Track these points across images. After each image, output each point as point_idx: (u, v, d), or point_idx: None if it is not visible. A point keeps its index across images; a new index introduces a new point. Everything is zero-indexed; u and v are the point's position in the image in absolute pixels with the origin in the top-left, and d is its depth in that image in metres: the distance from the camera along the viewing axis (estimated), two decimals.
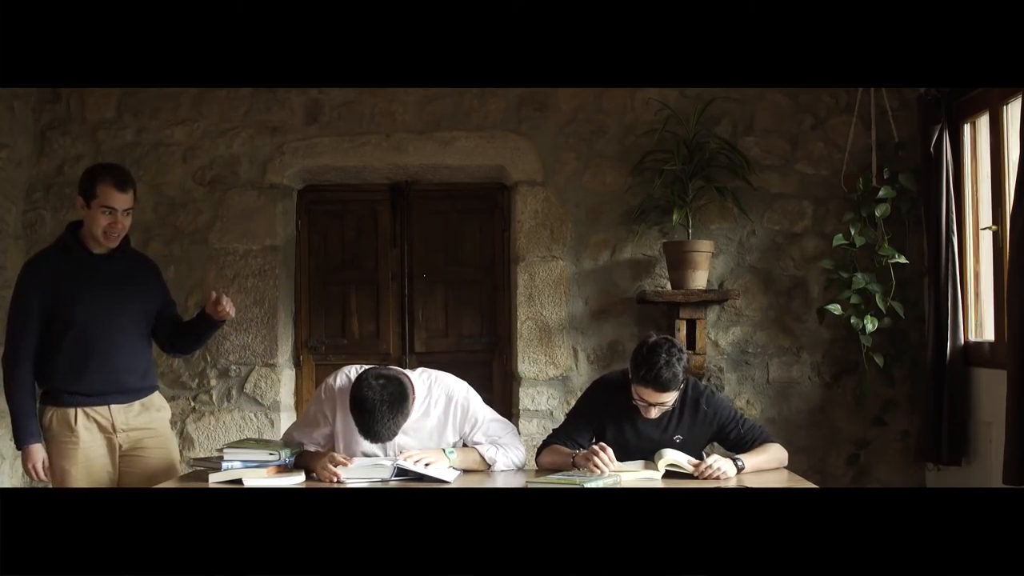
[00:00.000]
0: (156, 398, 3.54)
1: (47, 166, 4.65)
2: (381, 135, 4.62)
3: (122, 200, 3.35)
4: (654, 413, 3.16)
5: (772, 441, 3.29)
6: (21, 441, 3.34)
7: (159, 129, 4.64)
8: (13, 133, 4.52)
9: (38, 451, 3.34)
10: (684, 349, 3.17)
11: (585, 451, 3.13)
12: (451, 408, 3.23)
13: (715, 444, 3.47)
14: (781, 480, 3.12)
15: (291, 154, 4.62)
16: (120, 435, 3.41)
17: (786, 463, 3.30)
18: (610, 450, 3.05)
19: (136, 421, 3.44)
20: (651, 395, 3.10)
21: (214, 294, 3.41)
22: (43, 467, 3.35)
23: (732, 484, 3.00)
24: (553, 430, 3.44)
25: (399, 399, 2.98)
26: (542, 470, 3.22)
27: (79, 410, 3.36)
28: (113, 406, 3.39)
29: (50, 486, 3.46)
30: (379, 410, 2.94)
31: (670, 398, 3.13)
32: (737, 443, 3.27)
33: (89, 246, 3.41)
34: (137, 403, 3.45)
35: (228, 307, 3.41)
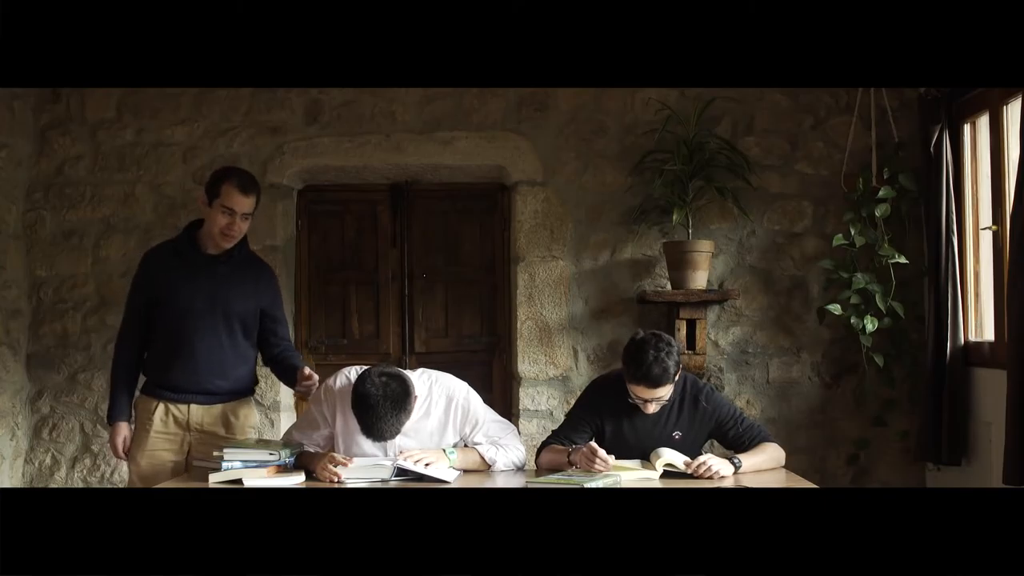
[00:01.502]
0: (241, 405, 3.56)
1: (47, 166, 4.65)
2: (381, 135, 4.62)
3: (244, 203, 3.39)
4: (652, 408, 3.17)
5: (771, 441, 3.29)
6: (110, 418, 3.49)
7: (159, 129, 4.64)
8: (13, 133, 4.52)
9: (122, 429, 3.47)
10: (673, 341, 3.16)
11: (580, 448, 3.13)
12: (451, 409, 3.23)
13: (715, 444, 3.47)
14: (781, 480, 3.12)
15: (291, 154, 4.62)
16: (192, 433, 3.47)
17: (783, 463, 3.29)
18: (600, 449, 3.06)
19: (212, 427, 3.48)
20: (645, 392, 3.12)
21: (307, 372, 3.41)
22: (123, 445, 3.47)
23: (730, 484, 3.00)
24: (552, 431, 3.44)
25: (402, 396, 2.98)
26: (541, 470, 3.22)
27: (162, 403, 3.46)
28: (193, 405, 3.46)
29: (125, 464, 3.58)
30: (382, 407, 2.94)
31: (665, 392, 3.14)
32: (736, 441, 3.27)
33: (202, 245, 3.47)
34: (219, 407, 3.49)
35: (310, 384, 3.42)
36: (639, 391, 3.13)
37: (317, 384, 3.38)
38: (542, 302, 4.57)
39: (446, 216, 4.79)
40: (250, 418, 3.62)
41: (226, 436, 3.48)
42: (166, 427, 3.45)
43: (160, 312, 3.44)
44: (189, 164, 4.63)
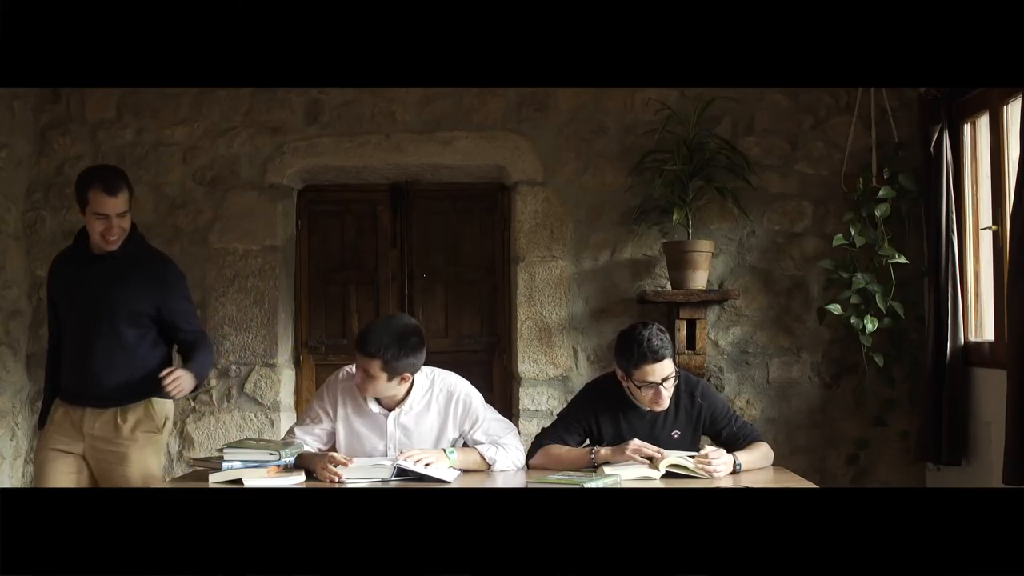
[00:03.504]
0: (137, 409, 3.35)
1: (47, 166, 4.65)
2: (381, 135, 4.62)
3: (112, 205, 3.25)
4: (664, 395, 3.15)
5: (761, 440, 3.29)
6: (39, 424, 3.54)
7: (159, 129, 4.64)
8: (13, 133, 4.52)
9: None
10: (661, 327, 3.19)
11: (619, 447, 3.13)
12: (452, 403, 3.24)
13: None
14: (781, 480, 3.12)
15: (291, 154, 4.62)
16: (86, 440, 3.35)
17: (771, 462, 3.30)
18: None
19: (101, 431, 3.33)
20: (651, 370, 3.10)
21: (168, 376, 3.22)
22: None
23: (730, 484, 3.00)
24: (543, 429, 3.43)
25: (406, 326, 3.10)
26: (537, 469, 3.21)
27: (63, 407, 3.40)
28: (88, 409, 3.34)
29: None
30: (381, 321, 3.14)
31: (670, 368, 3.13)
32: (730, 440, 3.26)
33: (93, 247, 3.41)
34: (110, 411, 3.33)
35: (172, 387, 3.21)
36: (645, 372, 3.11)
37: (179, 381, 3.20)
38: (542, 302, 4.57)
39: (446, 216, 4.79)
40: (150, 421, 3.36)
41: (115, 441, 3.31)
42: (64, 432, 3.33)
43: (61, 318, 3.44)
44: (189, 164, 4.63)
